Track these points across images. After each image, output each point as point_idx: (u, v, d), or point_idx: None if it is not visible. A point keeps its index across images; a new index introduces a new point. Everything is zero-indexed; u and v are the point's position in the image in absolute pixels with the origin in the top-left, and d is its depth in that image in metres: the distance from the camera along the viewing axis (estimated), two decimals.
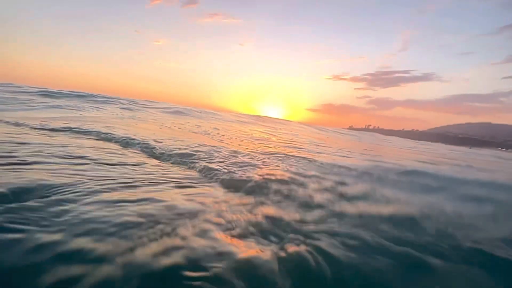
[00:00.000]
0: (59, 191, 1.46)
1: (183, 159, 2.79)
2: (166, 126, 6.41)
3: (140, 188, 1.74)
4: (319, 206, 1.79)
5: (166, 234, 1.19)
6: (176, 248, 1.09)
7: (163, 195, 1.67)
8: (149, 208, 1.43)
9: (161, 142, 3.56)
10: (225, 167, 2.58)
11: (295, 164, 3.29)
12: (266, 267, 1.07)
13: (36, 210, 1.22)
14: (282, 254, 1.16)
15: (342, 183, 2.42)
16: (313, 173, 2.76)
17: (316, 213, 1.66)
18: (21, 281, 0.86)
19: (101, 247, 1.03)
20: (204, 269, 1.00)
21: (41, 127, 3.69)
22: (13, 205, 1.23)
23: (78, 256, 0.97)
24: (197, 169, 2.48)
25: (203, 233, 1.25)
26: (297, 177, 2.49)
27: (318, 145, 6.92)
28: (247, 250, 1.16)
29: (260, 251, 1.17)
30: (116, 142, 3.35)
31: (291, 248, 1.21)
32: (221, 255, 1.09)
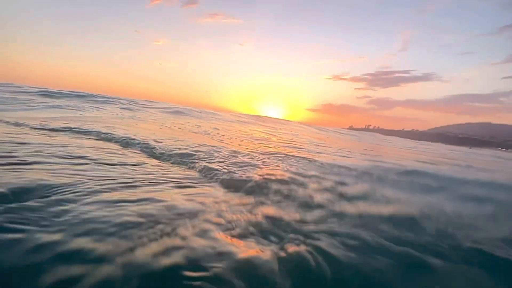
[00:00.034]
0: (59, 191, 1.47)
1: (183, 159, 2.79)
2: (166, 126, 6.42)
3: (140, 188, 1.74)
4: (319, 206, 1.79)
5: (166, 234, 1.20)
6: (176, 248, 1.09)
7: (163, 195, 1.67)
8: (149, 208, 1.43)
9: (161, 142, 3.56)
10: (225, 167, 2.58)
11: (295, 164, 3.29)
12: (266, 267, 1.07)
13: (36, 210, 1.22)
14: (282, 254, 1.17)
15: (342, 183, 2.42)
16: (313, 173, 2.76)
17: (316, 213, 1.66)
18: (21, 281, 0.86)
19: (101, 247, 1.03)
20: (204, 269, 1.00)
21: (41, 127, 3.69)
22: (13, 205, 1.23)
23: (78, 256, 0.97)
24: (197, 169, 2.48)
25: (203, 233, 1.25)
26: (297, 177, 2.49)
27: (318, 145, 6.93)
28: (247, 250, 1.17)
29: (260, 251, 1.17)
30: (116, 142, 3.35)
31: (291, 248, 1.21)
32: (221, 255, 1.09)
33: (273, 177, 2.33)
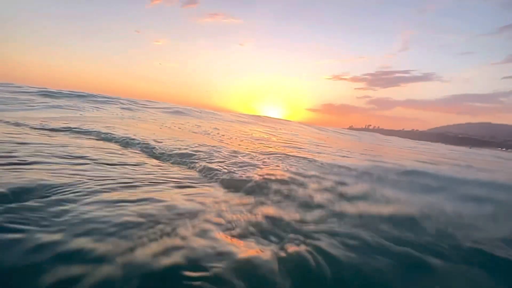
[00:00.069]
0: (59, 191, 1.47)
1: (183, 159, 2.79)
2: (166, 126, 6.42)
3: (140, 188, 1.74)
4: (319, 206, 1.80)
5: (166, 234, 1.20)
6: (176, 248, 1.10)
7: (163, 195, 1.67)
8: (149, 208, 1.43)
9: (161, 142, 3.56)
10: (225, 167, 2.58)
11: (295, 164, 3.30)
12: (266, 267, 1.07)
13: (37, 210, 1.23)
14: (282, 254, 1.17)
15: (342, 183, 2.43)
16: (313, 173, 2.77)
17: (316, 213, 1.67)
18: (21, 280, 0.86)
19: (102, 247, 1.03)
20: (204, 269, 1.00)
21: (41, 127, 3.69)
22: (13, 205, 1.23)
23: (78, 256, 0.98)
24: (197, 169, 2.48)
25: (203, 233, 1.25)
26: (297, 177, 2.50)
27: (318, 145, 6.93)
28: (247, 250, 1.17)
29: (260, 251, 1.17)
30: (116, 142, 3.35)
31: (291, 248, 1.22)
32: (221, 255, 1.09)
33: (273, 177, 2.33)
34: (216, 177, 2.26)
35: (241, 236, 1.29)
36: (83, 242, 1.04)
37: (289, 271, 1.07)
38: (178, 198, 1.66)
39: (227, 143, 4.62)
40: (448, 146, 27.37)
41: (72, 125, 4.09)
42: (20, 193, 1.35)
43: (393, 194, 2.28)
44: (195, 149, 3.33)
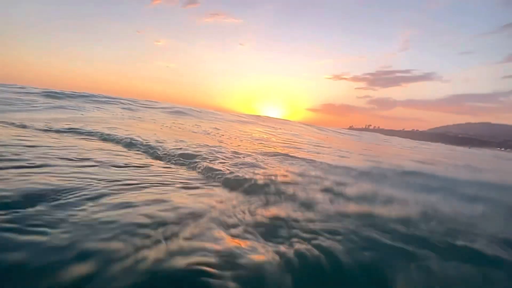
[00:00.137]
0: (69, 194, 1.52)
1: (186, 160, 2.84)
2: (167, 127, 6.46)
3: (146, 189, 1.80)
4: (320, 206, 1.83)
5: (173, 235, 1.24)
6: (183, 249, 1.13)
7: (170, 196, 1.73)
8: (156, 209, 1.48)
9: (163, 143, 3.61)
10: (227, 168, 2.63)
11: (296, 164, 3.34)
12: (269, 266, 1.10)
13: (48, 213, 1.28)
14: (285, 253, 1.20)
15: (341, 184, 2.45)
16: (313, 173, 2.80)
17: (315, 213, 1.70)
18: (33, 280, 0.90)
19: (111, 247, 1.08)
20: (210, 269, 1.03)
21: (47, 129, 3.75)
22: (25, 208, 1.28)
23: (89, 256, 1.02)
24: (200, 170, 2.53)
25: (209, 234, 1.29)
26: (297, 177, 2.54)
27: (318, 145, 6.98)
28: (251, 250, 1.20)
29: (263, 251, 1.20)
30: (119, 143, 3.41)
31: (293, 248, 1.25)
32: (226, 255, 1.13)
33: (274, 178, 2.38)
34: (219, 178, 2.30)
35: (245, 236, 1.33)
36: (93, 243, 1.09)
37: (292, 270, 1.11)
38: (184, 200, 1.71)
39: (228, 143, 4.66)
40: (448, 146, 27.31)
41: (76, 126, 4.14)
42: (31, 196, 1.40)
43: (393, 194, 2.30)
44: (196, 149, 3.37)
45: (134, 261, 1.02)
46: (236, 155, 3.39)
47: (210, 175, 2.38)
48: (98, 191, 1.62)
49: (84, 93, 14.04)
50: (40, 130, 3.64)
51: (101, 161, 2.33)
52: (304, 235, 1.39)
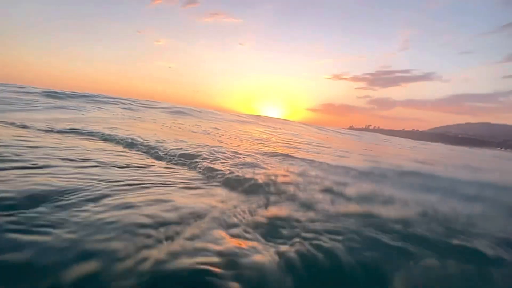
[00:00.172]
0: (71, 194, 1.53)
1: (187, 160, 2.85)
2: (167, 127, 6.48)
3: (148, 190, 1.81)
4: (320, 206, 1.84)
5: (173, 235, 1.25)
6: (183, 249, 1.15)
7: (170, 196, 1.74)
8: (157, 210, 1.50)
9: (164, 143, 3.63)
10: (228, 168, 2.64)
11: (296, 164, 3.36)
12: (270, 266, 1.11)
13: (50, 214, 1.29)
14: (285, 254, 1.21)
15: (342, 184, 2.47)
16: (313, 173, 2.82)
17: (316, 213, 1.71)
18: (38, 279, 0.92)
19: (114, 248, 1.09)
20: (211, 269, 1.05)
21: (48, 129, 3.76)
22: (30, 209, 1.30)
23: (92, 256, 1.03)
24: (201, 170, 2.55)
25: (210, 234, 1.31)
26: (297, 177, 2.56)
27: (318, 145, 6.99)
28: (251, 250, 1.21)
29: (264, 251, 1.21)
30: (120, 143, 3.42)
31: (294, 248, 1.26)
32: (226, 256, 1.14)
33: (274, 178, 2.39)
34: (219, 178, 2.32)
35: (246, 236, 1.34)
36: (96, 244, 1.10)
37: (293, 270, 1.12)
38: (185, 200, 1.72)
39: (228, 143, 4.68)
40: (448, 146, 27.34)
41: (76, 126, 4.16)
42: (34, 197, 1.42)
43: (392, 194, 2.31)
44: (197, 149, 3.39)
45: (137, 261, 1.03)
46: (236, 155, 3.41)
47: (211, 175, 2.40)
48: (100, 192, 1.63)
49: (85, 93, 14.06)
50: (41, 130, 3.65)
51: (103, 162, 2.34)
52: (305, 234, 1.40)
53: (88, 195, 1.56)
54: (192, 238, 1.25)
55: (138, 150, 3.17)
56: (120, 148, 3.21)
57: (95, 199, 1.52)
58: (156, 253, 1.09)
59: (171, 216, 1.44)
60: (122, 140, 3.55)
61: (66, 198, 1.48)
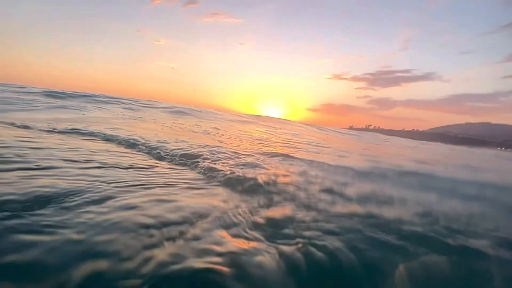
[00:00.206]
0: (77, 196, 1.55)
1: (188, 160, 2.87)
2: (167, 127, 6.50)
3: (151, 190, 1.84)
4: (320, 206, 1.85)
5: (177, 236, 1.27)
6: (186, 249, 1.17)
7: (174, 197, 1.77)
8: (161, 210, 1.52)
9: (165, 143, 3.64)
10: (229, 168, 2.66)
11: (296, 164, 3.37)
12: (271, 266, 1.13)
13: (57, 215, 1.31)
14: (287, 253, 1.22)
15: (343, 184, 2.48)
16: (313, 173, 2.84)
17: (316, 213, 1.73)
18: (43, 279, 0.94)
19: (119, 248, 1.11)
20: (213, 268, 1.06)
21: (50, 129, 3.78)
22: (35, 210, 1.32)
23: (97, 257, 1.05)
24: (202, 170, 2.57)
25: (212, 234, 1.32)
26: (297, 177, 2.58)
27: (318, 145, 7.01)
28: (252, 249, 1.23)
29: (265, 251, 1.23)
30: (122, 144, 3.44)
31: (295, 248, 1.28)
32: (228, 255, 1.15)
33: (274, 178, 2.41)
34: (221, 178, 2.34)
35: (247, 236, 1.36)
36: (101, 244, 1.12)
37: (294, 270, 1.13)
38: (188, 200, 1.75)
39: (229, 144, 4.69)
40: (448, 146, 27.30)
41: (78, 127, 4.18)
42: (39, 199, 1.44)
43: (392, 194, 2.32)
44: (197, 150, 3.41)
45: (141, 261, 1.05)
46: (236, 155, 3.43)
47: (212, 175, 2.42)
48: (105, 193, 1.65)
49: (85, 93, 14.05)
50: (43, 130, 3.67)
51: (106, 163, 2.36)
52: (305, 234, 1.42)
53: (93, 196, 1.58)
54: (195, 238, 1.27)
55: (140, 151, 3.19)
56: (122, 148, 3.22)
57: (100, 201, 1.54)
58: (160, 254, 1.11)
59: (174, 216, 1.47)
60: (124, 140, 3.57)
61: (71, 200, 1.50)
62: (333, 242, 1.36)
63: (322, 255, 1.25)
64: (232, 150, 3.76)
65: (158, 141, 3.71)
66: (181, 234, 1.29)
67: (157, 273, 1.01)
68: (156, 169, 2.44)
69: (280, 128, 13.31)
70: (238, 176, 2.39)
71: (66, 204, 1.43)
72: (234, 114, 21.20)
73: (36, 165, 1.99)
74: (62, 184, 1.68)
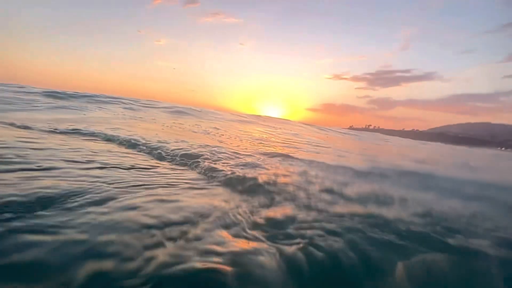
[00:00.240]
0: (79, 196, 1.56)
1: (188, 160, 2.88)
2: (168, 127, 6.49)
3: (152, 191, 1.85)
4: (320, 206, 1.86)
5: (179, 235, 1.28)
6: (188, 249, 1.17)
7: (175, 197, 1.78)
8: (163, 210, 1.53)
9: (165, 143, 3.65)
10: (229, 168, 2.67)
11: (296, 164, 3.37)
12: (272, 265, 1.14)
13: (60, 215, 1.32)
14: (287, 253, 1.23)
15: (343, 183, 2.49)
16: (313, 173, 2.84)
17: (316, 213, 1.73)
18: (47, 278, 0.95)
19: (121, 248, 1.12)
20: (215, 267, 1.07)
21: (50, 130, 3.78)
22: (38, 211, 1.33)
23: (100, 256, 1.06)
24: (203, 171, 2.58)
25: (213, 234, 1.33)
26: (297, 177, 2.58)
27: (318, 145, 7.01)
28: (253, 249, 1.24)
29: (265, 250, 1.24)
30: (123, 144, 3.45)
31: (295, 247, 1.29)
32: (229, 255, 1.16)
33: (274, 178, 2.42)
34: (221, 179, 2.35)
35: (248, 236, 1.37)
36: (104, 244, 1.13)
37: (294, 269, 1.14)
38: (189, 200, 1.76)
39: (229, 144, 4.69)
40: (448, 146, 27.28)
41: (79, 127, 4.18)
42: (42, 199, 1.45)
43: (392, 193, 2.33)
44: (198, 150, 3.41)
45: (144, 261, 1.06)
46: (236, 155, 3.43)
47: (213, 175, 2.43)
48: (107, 194, 1.66)
49: (86, 93, 14.02)
50: (44, 131, 3.67)
51: (108, 163, 2.37)
52: (305, 233, 1.43)
53: (95, 196, 1.59)
54: (196, 238, 1.28)
55: (141, 151, 3.19)
56: (123, 149, 3.23)
57: (102, 201, 1.55)
58: (162, 254, 1.12)
59: (176, 217, 1.48)
60: (125, 141, 3.57)
61: (73, 200, 1.50)
62: (333, 242, 1.37)
63: (323, 254, 1.26)
64: (232, 150, 3.76)
65: (159, 141, 3.71)
66: (183, 234, 1.30)
67: (159, 273, 1.01)
68: (157, 170, 2.45)
69: (280, 128, 13.30)
70: (239, 176, 2.39)
71: (68, 205, 1.44)
72: (234, 114, 21.18)
73: (38, 166, 2.00)
74: (64, 185, 1.68)
